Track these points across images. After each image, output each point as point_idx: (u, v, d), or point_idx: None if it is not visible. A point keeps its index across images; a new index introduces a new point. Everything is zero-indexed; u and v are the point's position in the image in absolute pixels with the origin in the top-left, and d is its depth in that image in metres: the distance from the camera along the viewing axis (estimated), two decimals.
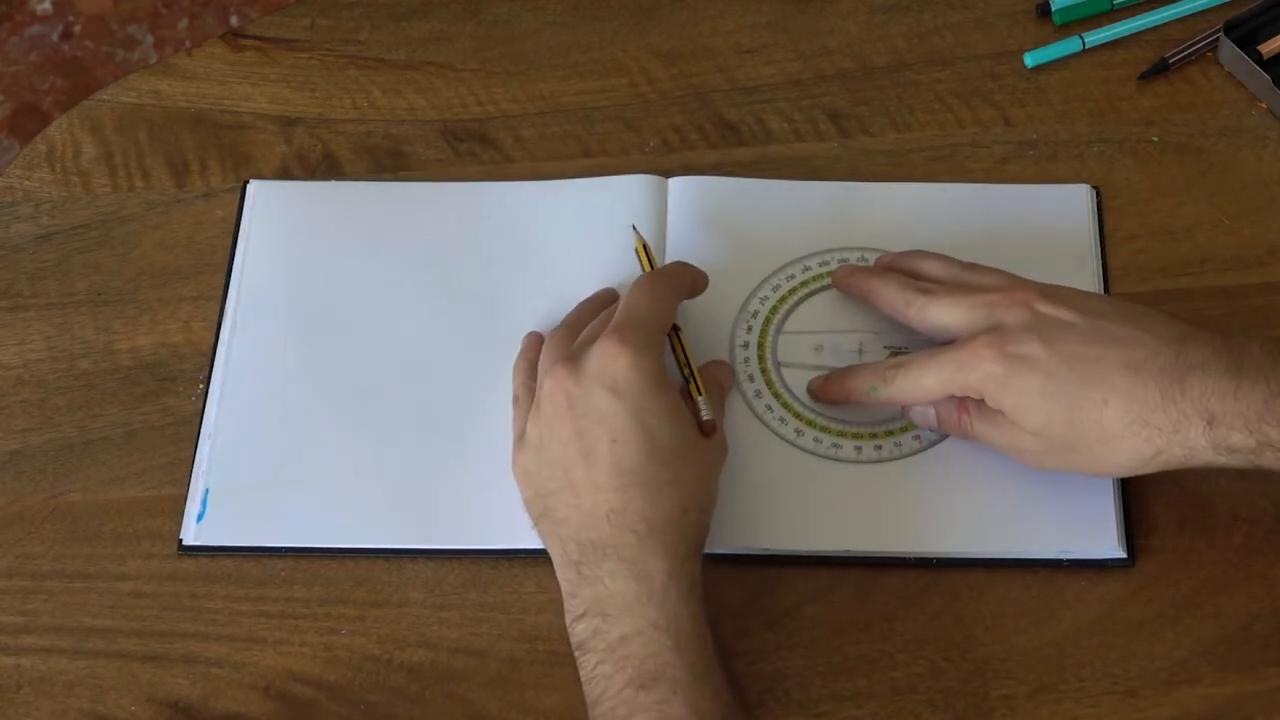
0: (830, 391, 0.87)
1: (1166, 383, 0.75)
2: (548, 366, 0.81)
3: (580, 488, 0.78)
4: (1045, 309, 0.79)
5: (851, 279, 0.89)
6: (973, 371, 0.79)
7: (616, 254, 0.92)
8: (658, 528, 0.76)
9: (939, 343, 0.83)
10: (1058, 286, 0.81)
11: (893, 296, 0.85)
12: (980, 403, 0.81)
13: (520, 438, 0.83)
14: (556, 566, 0.80)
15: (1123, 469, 0.78)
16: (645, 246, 0.90)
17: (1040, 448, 0.79)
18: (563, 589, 0.79)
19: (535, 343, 0.88)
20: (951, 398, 0.83)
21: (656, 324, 0.81)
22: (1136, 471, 0.77)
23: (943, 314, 0.83)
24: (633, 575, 0.75)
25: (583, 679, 0.76)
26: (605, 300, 0.89)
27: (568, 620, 0.78)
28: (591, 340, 0.81)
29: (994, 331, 0.79)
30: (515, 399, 0.87)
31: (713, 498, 0.81)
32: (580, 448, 0.78)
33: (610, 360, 0.78)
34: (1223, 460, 0.75)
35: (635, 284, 0.83)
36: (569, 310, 0.89)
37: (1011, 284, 0.82)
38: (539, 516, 0.81)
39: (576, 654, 0.77)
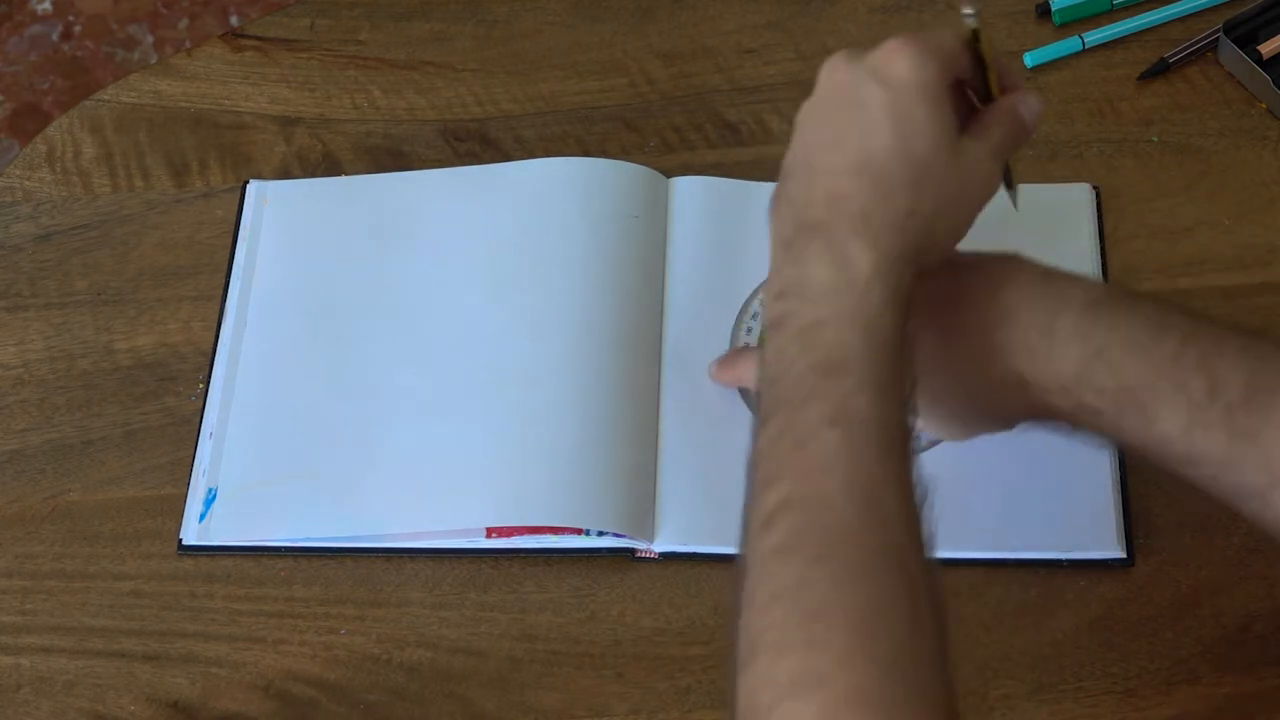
0: (723, 376, 0.88)
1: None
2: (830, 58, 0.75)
3: (817, 170, 0.72)
4: None
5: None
6: None
7: (620, 235, 0.93)
8: (875, 223, 0.70)
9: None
10: None
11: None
12: None
13: None
14: (771, 247, 0.74)
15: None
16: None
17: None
18: (770, 267, 0.73)
19: None
20: None
21: (951, 44, 0.74)
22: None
23: None
24: (836, 262, 0.69)
25: (765, 360, 0.70)
26: None
27: (768, 298, 0.72)
28: None
29: None
30: None
31: (953, 221, 0.74)
32: (832, 134, 0.72)
33: (890, 56, 0.71)
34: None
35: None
36: (577, 290, 0.90)
37: None
38: (775, 199, 0.75)
39: (769, 333, 0.72)
